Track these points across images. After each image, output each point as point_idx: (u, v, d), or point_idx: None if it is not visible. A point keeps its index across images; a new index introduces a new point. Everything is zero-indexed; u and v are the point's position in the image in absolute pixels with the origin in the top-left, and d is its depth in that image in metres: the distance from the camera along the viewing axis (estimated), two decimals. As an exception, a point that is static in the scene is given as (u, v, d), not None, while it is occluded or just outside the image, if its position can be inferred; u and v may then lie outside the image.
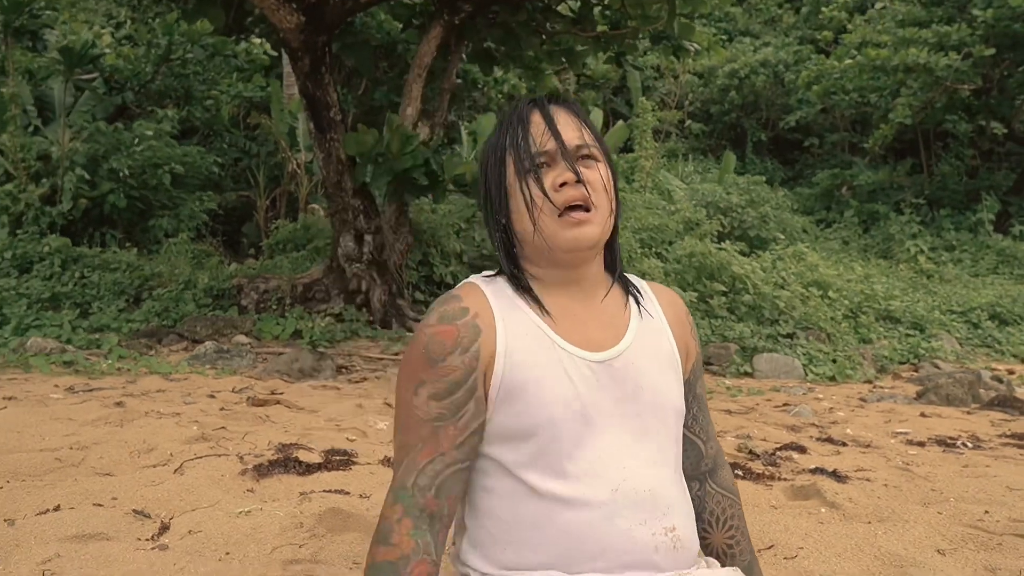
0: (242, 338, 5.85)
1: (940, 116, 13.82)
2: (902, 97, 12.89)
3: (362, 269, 6.53)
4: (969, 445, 3.78)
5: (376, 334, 6.16)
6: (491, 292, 1.13)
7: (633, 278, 1.24)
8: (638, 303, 1.19)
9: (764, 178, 13.06)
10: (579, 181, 1.07)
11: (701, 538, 1.22)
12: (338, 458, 2.75)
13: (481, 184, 1.16)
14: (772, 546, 2.16)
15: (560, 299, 1.14)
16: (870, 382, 6.26)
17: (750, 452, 3.39)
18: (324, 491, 2.44)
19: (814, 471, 3.03)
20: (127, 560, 1.91)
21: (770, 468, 3.08)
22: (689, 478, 1.25)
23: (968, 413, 4.85)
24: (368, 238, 6.59)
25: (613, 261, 1.19)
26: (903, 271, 10.60)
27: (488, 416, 1.09)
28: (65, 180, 8.08)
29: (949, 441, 3.84)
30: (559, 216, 1.07)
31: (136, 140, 8.69)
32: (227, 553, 1.97)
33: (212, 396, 4.12)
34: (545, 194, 1.07)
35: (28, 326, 6.06)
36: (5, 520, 2.18)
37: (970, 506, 2.63)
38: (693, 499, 1.22)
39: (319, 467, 2.66)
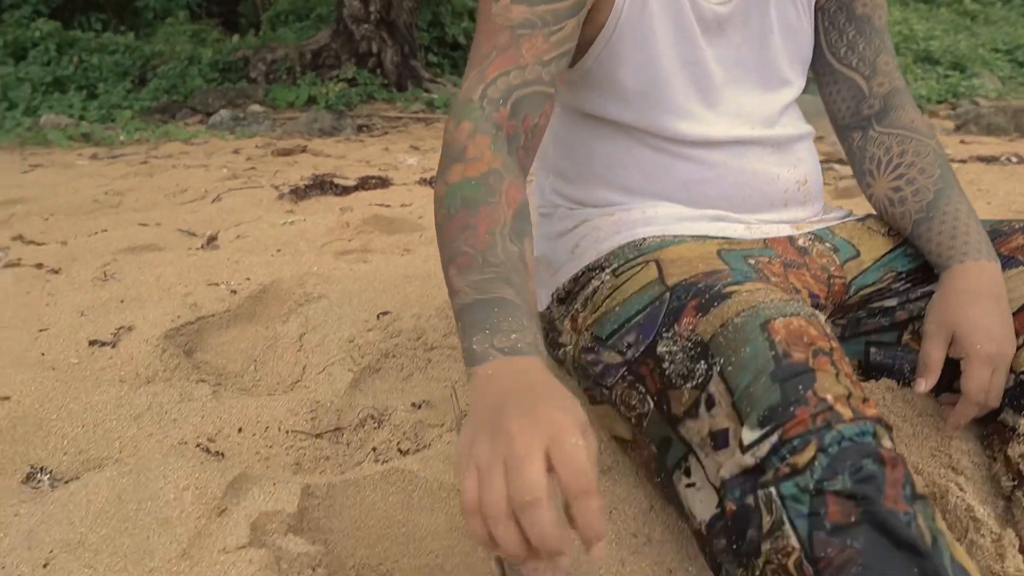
0: (256, 107, 5.68)
1: None
2: None
3: (371, 30, 6.18)
4: (1014, 160, 3.68)
5: (392, 96, 5.95)
6: None
7: None
8: None
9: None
10: None
11: (864, 191, 1.00)
12: (374, 181, 2.72)
13: None
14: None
15: None
16: (905, 121, 6.06)
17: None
18: (365, 204, 2.43)
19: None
20: (182, 260, 1.93)
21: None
22: (847, 128, 1.00)
23: (1011, 141, 4.69)
24: (374, -4, 6.18)
25: None
26: (944, 14, 9.92)
27: (584, 60, 0.88)
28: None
29: (992, 158, 3.73)
30: None
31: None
32: (278, 250, 1.99)
33: (236, 152, 4.06)
34: None
35: (38, 107, 5.91)
36: (59, 242, 2.20)
37: (1018, 198, 2.61)
38: (853, 152, 0.99)
39: (356, 188, 2.63)
